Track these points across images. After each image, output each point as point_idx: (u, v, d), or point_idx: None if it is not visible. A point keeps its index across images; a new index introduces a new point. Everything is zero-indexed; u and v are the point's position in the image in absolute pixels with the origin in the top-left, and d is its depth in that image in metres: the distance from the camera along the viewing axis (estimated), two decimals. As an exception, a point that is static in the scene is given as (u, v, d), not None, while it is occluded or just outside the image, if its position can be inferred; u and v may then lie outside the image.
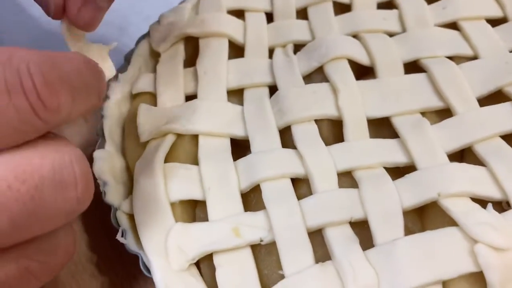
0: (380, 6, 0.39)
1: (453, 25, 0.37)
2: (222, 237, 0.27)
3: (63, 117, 0.20)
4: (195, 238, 0.27)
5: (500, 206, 0.28)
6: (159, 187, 0.29)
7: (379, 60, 0.34)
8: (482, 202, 0.27)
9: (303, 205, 0.28)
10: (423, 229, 0.28)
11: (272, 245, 0.27)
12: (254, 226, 0.27)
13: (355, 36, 0.36)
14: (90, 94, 0.21)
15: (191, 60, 0.37)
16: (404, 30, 0.37)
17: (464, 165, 0.29)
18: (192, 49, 0.38)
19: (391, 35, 0.37)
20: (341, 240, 0.26)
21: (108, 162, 0.32)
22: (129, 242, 0.28)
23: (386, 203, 0.28)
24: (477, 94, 0.32)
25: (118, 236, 0.28)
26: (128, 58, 0.37)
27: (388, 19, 0.37)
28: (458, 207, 0.27)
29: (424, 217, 0.28)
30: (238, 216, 0.28)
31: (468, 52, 0.35)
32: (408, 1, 0.38)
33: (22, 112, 0.19)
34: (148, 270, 0.27)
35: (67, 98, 0.19)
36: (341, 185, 0.29)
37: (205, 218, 0.29)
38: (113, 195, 0.30)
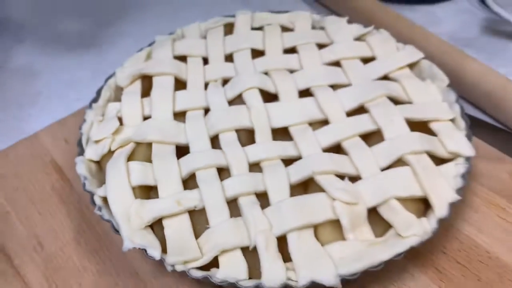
0: (286, 52, 0.54)
1: (337, 63, 0.52)
2: (168, 206, 0.40)
3: None
4: (149, 209, 0.40)
5: (355, 179, 0.42)
6: (124, 177, 0.41)
7: (280, 88, 0.49)
8: (343, 177, 0.41)
9: (224, 183, 0.41)
10: (305, 196, 0.41)
11: (203, 210, 0.40)
12: (190, 198, 0.40)
13: (266, 73, 0.51)
14: None
15: (147, 92, 0.50)
16: (301, 67, 0.52)
17: (332, 154, 0.43)
18: (148, 84, 0.51)
19: (292, 71, 0.51)
20: (248, 204, 0.40)
21: (85, 164, 0.44)
22: (103, 213, 0.40)
23: (279, 179, 0.41)
24: (347, 108, 0.47)
25: (96, 210, 0.40)
26: (99, 92, 0.50)
27: (290, 60, 0.52)
28: (325, 180, 0.40)
29: (307, 189, 0.42)
30: (180, 193, 0.41)
31: (345, 81, 0.50)
32: (305, 47, 0.53)
33: None
34: (117, 231, 0.39)
35: None
36: (251, 171, 0.42)
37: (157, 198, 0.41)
38: (91, 185, 0.42)
